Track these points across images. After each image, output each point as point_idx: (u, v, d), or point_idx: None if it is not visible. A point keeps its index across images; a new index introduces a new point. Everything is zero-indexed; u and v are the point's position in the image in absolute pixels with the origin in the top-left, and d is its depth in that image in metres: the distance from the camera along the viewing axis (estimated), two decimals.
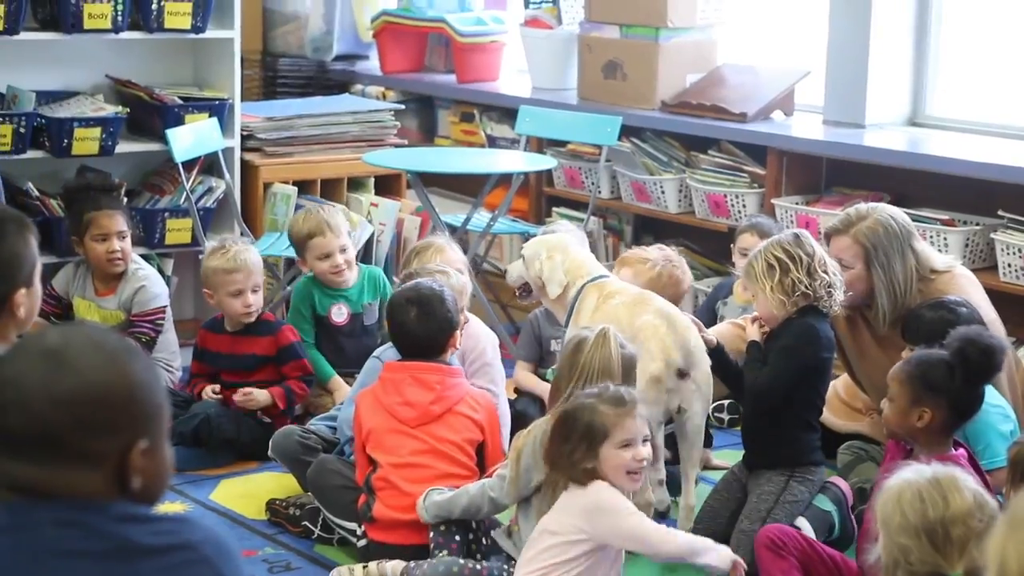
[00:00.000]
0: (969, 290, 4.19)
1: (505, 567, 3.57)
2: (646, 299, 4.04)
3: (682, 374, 3.89)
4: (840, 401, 4.52)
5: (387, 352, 4.17)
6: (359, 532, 3.84)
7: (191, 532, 1.81)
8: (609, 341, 3.50)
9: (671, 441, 4.09)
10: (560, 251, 4.23)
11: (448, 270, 4.20)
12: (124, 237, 5.06)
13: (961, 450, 3.59)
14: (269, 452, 4.28)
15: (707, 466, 4.49)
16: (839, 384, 4.56)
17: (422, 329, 3.85)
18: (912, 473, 2.75)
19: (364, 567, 3.68)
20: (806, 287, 3.86)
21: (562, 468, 3.30)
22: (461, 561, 3.58)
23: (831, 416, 4.47)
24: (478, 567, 3.58)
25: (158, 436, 1.84)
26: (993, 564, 1.66)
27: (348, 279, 5.01)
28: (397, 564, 3.64)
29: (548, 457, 3.35)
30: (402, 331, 3.89)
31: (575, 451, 3.26)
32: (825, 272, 3.88)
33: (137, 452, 1.80)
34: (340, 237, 4.97)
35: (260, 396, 4.66)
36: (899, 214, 4.18)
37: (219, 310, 4.81)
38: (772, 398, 3.87)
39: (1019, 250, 4.78)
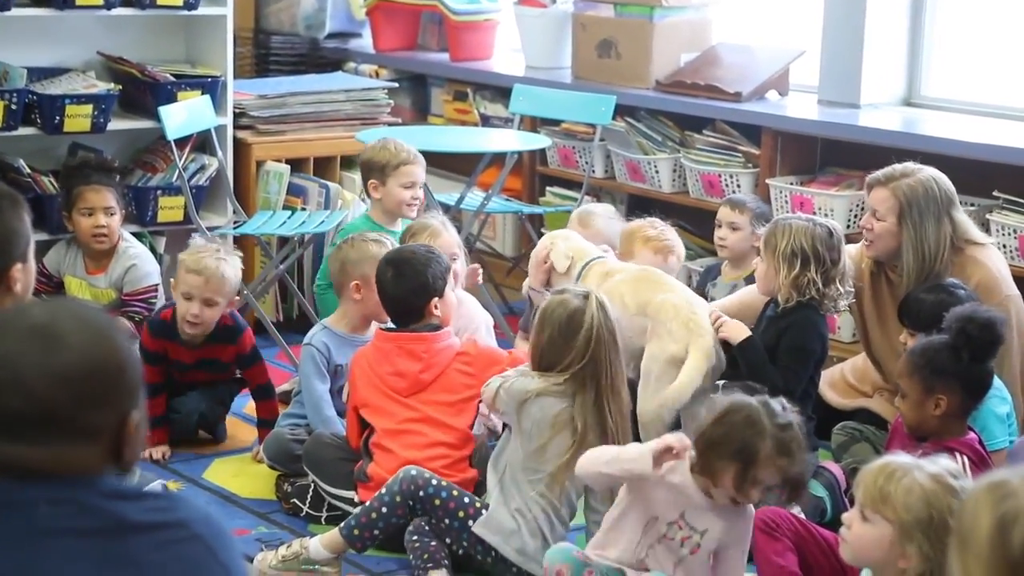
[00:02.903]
0: (996, 261, 4.24)
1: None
2: (650, 275, 4.10)
3: None
4: (847, 384, 4.52)
5: (316, 336, 4.27)
6: (356, 500, 3.88)
7: (183, 510, 1.81)
8: (593, 307, 3.50)
9: None
10: (562, 238, 4.35)
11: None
12: (111, 214, 5.04)
13: (972, 434, 3.59)
14: (264, 458, 4.26)
15: None
16: (846, 367, 4.57)
17: (396, 290, 3.91)
18: (928, 478, 2.73)
19: (288, 546, 3.68)
20: (817, 291, 3.84)
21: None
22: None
23: (834, 395, 4.47)
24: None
25: (142, 407, 1.85)
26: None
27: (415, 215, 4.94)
28: (323, 537, 3.65)
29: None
30: (381, 292, 3.96)
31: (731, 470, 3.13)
32: (840, 282, 3.86)
33: (132, 423, 1.81)
34: (423, 174, 4.97)
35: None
36: (944, 180, 4.20)
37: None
38: (790, 400, 3.86)
39: (1015, 231, 4.78)
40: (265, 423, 4.48)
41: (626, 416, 3.58)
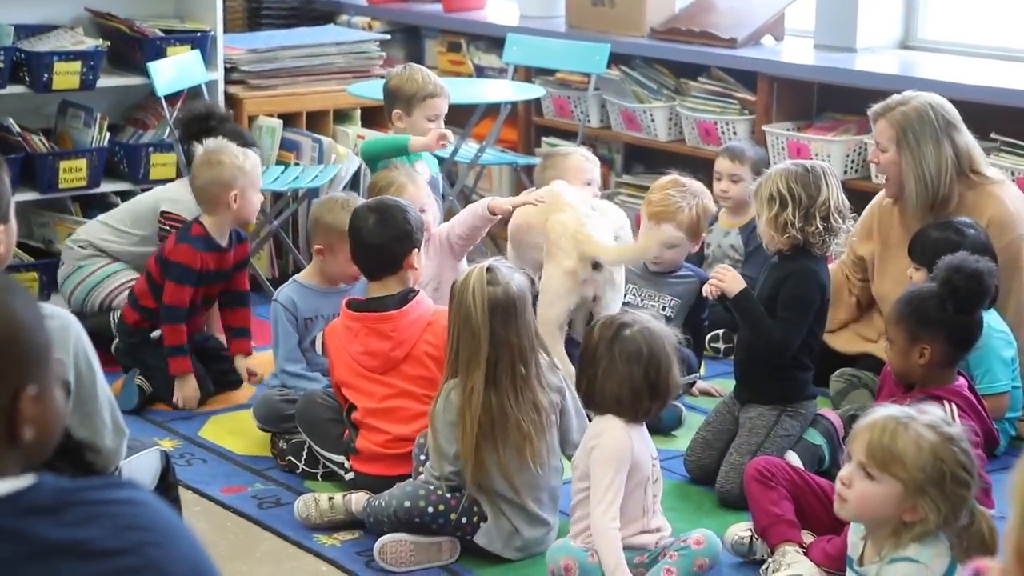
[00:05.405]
0: (1014, 198, 4.25)
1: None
2: (555, 197, 4.31)
3: (596, 266, 4.18)
4: (853, 332, 4.49)
5: (283, 292, 4.29)
6: (347, 465, 3.85)
7: (111, 517, 1.55)
8: (468, 286, 3.42)
9: None
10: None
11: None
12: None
13: (961, 380, 3.57)
14: (254, 421, 4.24)
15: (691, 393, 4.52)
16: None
17: (378, 236, 3.79)
18: (929, 430, 2.71)
19: (330, 498, 3.69)
20: (797, 231, 3.80)
21: None
22: (431, 487, 3.52)
23: (838, 341, 4.44)
24: (447, 495, 3.50)
25: (47, 380, 1.62)
26: (1018, 506, 1.58)
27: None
28: (361, 496, 3.65)
29: None
30: (358, 238, 3.84)
31: None
32: (825, 218, 3.80)
33: (27, 399, 1.58)
34: (447, 106, 4.86)
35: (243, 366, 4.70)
36: (941, 103, 4.20)
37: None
38: (788, 352, 3.83)
39: (1012, 172, 4.74)
40: (240, 332, 4.70)
41: (541, 408, 3.46)
